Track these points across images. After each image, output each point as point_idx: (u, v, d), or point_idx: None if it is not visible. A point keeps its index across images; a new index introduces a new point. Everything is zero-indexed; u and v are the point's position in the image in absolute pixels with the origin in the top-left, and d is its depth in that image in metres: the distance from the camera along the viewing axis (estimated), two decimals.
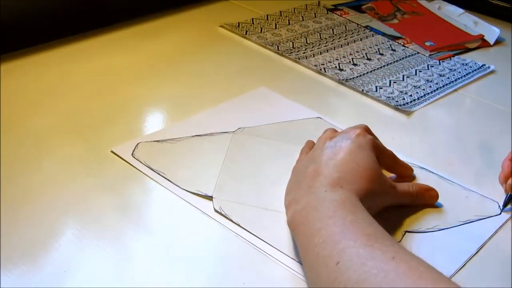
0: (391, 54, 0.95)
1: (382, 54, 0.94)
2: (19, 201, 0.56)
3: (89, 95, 0.75)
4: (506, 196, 0.62)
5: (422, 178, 0.65)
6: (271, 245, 0.54)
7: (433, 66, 0.92)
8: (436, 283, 0.41)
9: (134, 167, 0.62)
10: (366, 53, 0.93)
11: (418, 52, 0.96)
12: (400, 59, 0.93)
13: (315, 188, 0.52)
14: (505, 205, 0.62)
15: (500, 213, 0.61)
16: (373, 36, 1.00)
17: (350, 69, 0.88)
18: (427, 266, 0.43)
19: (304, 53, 0.91)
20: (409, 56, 0.95)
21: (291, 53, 0.90)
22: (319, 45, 0.94)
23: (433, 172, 0.66)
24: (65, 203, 0.56)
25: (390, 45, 0.98)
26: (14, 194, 0.57)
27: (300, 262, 0.52)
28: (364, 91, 0.82)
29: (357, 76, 0.86)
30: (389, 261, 0.43)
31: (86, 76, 0.79)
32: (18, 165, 0.61)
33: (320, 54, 0.91)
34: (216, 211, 0.57)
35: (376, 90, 0.83)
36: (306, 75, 0.86)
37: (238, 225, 0.56)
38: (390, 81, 0.86)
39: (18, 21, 0.82)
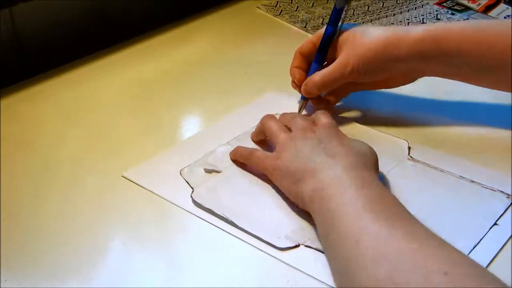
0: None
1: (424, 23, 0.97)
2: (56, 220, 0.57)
3: (123, 107, 0.75)
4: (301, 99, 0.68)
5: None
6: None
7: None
8: (464, 267, 0.41)
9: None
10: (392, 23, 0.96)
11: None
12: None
13: (333, 165, 0.52)
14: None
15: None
16: (422, 7, 1.02)
17: None
18: (448, 247, 0.43)
19: None
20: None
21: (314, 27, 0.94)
22: (348, 20, 0.96)
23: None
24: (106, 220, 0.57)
25: (437, 14, 1.00)
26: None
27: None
28: None
29: None
30: (409, 242, 0.43)
31: (115, 89, 0.79)
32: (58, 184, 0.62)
33: None
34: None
35: None
36: None
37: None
38: None
39: (49, 43, 0.84)
